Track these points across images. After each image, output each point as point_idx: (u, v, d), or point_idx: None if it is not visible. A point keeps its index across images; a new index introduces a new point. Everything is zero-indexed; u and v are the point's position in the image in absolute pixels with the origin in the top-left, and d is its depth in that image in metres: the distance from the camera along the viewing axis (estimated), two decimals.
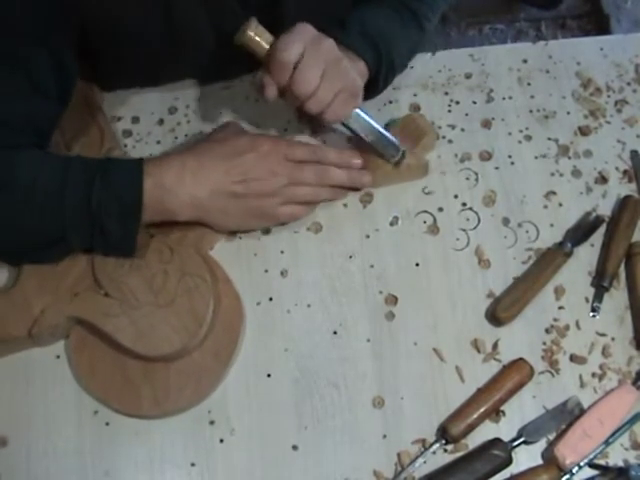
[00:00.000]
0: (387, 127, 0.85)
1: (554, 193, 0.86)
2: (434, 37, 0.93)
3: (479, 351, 0.77)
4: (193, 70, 0.89)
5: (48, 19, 0.72)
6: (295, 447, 0.73)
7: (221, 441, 0.74)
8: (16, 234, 0.73)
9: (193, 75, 0.90)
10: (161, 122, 0.89)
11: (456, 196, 0.85)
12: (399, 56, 0.87)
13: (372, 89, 0.86)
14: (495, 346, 0.77)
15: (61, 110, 0.78)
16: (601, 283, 0.80)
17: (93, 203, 0.71)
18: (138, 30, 0.79)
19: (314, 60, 0.74)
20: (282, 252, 0.82)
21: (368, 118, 0.81)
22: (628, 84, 0.93)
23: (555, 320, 0.79)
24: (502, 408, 0.75)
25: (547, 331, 0.79)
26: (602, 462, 0.73)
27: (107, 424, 0.74)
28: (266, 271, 0.81)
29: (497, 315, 0.77)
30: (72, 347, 0.75)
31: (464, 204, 0.85)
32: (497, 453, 0.72)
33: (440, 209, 0.84)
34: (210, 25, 0.81)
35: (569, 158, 0.88)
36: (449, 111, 0.90)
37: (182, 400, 0.73)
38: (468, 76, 0.93)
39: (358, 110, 0.80)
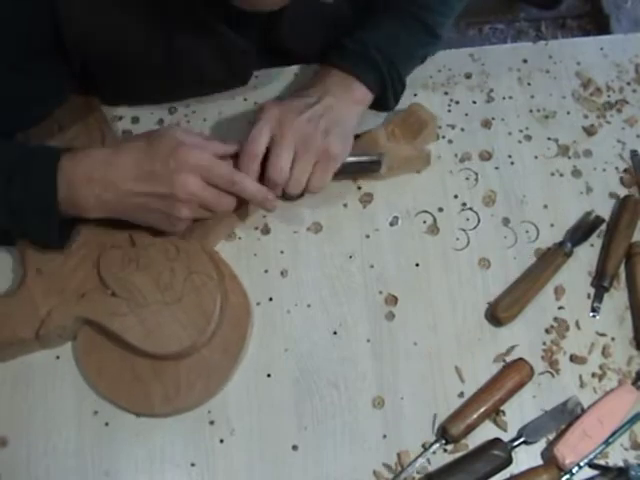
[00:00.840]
0: (388, 120, 0.86)
1: (554, 193, 0.86)
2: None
3: (462, 380, 0.77)
4: (193, 93, 0.89)
5: (31, 49, 0.72)
6: (295, 447, 0.73)
7: (221, 441, 0.74)
8: None
9: (193, 95, 0.90)
10: (161, 122, 0.89)
11: (456, 196, 0.85)
12: (407, 68, 0.87)
13: (383, 105, 0.86)
14: (510, 350, 0.78)
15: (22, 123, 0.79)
16: (601, 283, 0.80)
17: (13, 201, 0.70)
18: (139, 59, 0.79)
19: (283, 146, 0.75)
20: (282, 252, 0.82)
21: None
22: (628, 84, 0.93)
23: (555, 320, 0.79)
24: (502, 408, 0.75)
25: (547, 331, 0.79)
26: (602, 462, 0.73)
27: (107, 424, 0.74)
28: (266, 271, 0.81)
29: (497, 315, 0.77)
30: (80, 348, 0.75)
31: (464, 204, 0.85)
32: (497, 453, 0.72)
33: (440, 209, 0.84)
34: (210, 54, 0.81)
35: (569, 158, 0.88)
36: (449, 111, 0.90)
37: (193, 397, 0.73)
38: (468, 76, 0.93)
39: None
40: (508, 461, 0.72)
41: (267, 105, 0.77)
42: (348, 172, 0.82)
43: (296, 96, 0.81)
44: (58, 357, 0.76)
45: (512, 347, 0.78)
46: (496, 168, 0.87)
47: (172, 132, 0.73)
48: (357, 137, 0.85)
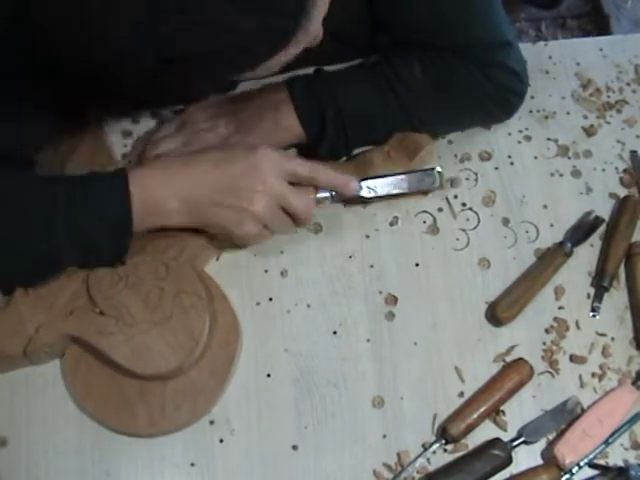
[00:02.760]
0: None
1: (554, 193, 0.86)
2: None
3: (462, 380, 0.77)
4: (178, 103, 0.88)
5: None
6: (295, 447, 0.73)
7: (221, 441, 0.74)
8: (5, 264, 0.72)
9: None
10: (161, 122, 0.89)
11: (456, 196, 0.85)
12: (359, 135, 0.83)
13: (318, 152, 0.83)
14: (510, 350, 0.78)
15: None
16: (601, 283, 0.80)
17: (82, 229, 0.70)
18: (123, 71, 0.78)
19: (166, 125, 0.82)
20: (282, 252, 0.82)
21: (381, 179, 0.81)
22: (628, 84, 0.93)
23: (555, 320, 0.79)
24: (502, 408, 0.75)
25: (547, 331, 0.79)
26: (602, 462, 0.73)
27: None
28: (266, 271, 0.81)
29: (497, 315, 0.77)
30: (67, 366, 0.74)
31: (464, 204, 0.85)
32: (497, 453, 0.72)
33: (440, 209, 0.84)
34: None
35: (569, 158, 0.88)
36: None
37: (179, 418, 0.73)
38: None
39: (368, 181, 0.81)
40: (508, 461, 0.72)
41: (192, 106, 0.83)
42: (397, 188, 0.81)
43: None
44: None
45: (512, 347, 0.78)
46: (496, 168, 0.87)
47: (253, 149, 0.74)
48: (351, 159, 0.85)
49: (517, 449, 0.73)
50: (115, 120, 0.88)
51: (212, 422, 0.74)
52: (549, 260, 0.81)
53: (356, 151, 0.85)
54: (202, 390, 0.74)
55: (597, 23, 1.94)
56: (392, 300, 0.80)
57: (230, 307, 0.77)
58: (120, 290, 0.74)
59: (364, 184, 0.80)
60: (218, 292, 0.78)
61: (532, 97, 0.91)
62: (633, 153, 0.88)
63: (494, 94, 0.83)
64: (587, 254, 0.82)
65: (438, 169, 0.82)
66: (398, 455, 0.73)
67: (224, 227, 0.75)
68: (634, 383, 0.76)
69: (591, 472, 0.73)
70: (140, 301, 0.73)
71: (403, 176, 0.81)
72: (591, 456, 0.72)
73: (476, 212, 0.84)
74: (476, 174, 0.87)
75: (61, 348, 0.75)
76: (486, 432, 0.74)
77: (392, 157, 0.83)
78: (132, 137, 0.88)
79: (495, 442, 0.72)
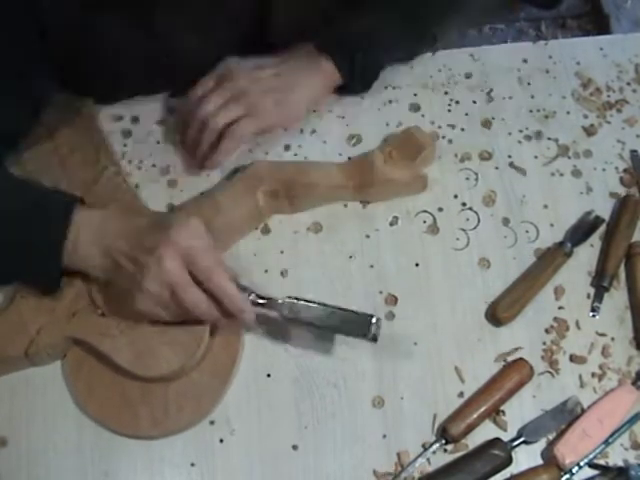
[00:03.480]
0: (385, 142, 0.86)
1: (554, 193, 0.86)
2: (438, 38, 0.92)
3: (462, 380, 0.77)
4: (178, 79, 0.88)
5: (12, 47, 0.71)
6: (295, 447, 0.73)
7: (221, 441, 0.74)
8: None
9: (179, 82, 0.88)
10: (161, 122, 0.89)
11: (456, 196, 0.85)
12: (384, 58, 0.88)
13: (350, 89, 0.88)
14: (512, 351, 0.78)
15: (22, 128, 0.78)
16: (601, 283, 0.80)
17: (18, 244, 0.70)
18: (119, 45, 0.78)
19: (215, 91, 0.81)
20: (282, 252, 0.82)
21: (311, 305, 0.72)
22: (628, 84, 0.93)
23: (555, 320, 0.79)
24: (502, 408, 0.75)
25: (547, 331, 0.79)
26: (602, 462, 0.73)
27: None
28: (266, 271, 0.81)
29: (497, 315, 0.77)
30: (69, 368, 0.74)
31: (464, 204, 0.85)
32: (497, 453, 0.72)
33: (440, 209, 0.84)
34: (197, 40, 0.81)
35: (569, 158, 0.88)
36: (449, 111, 0.90)
37: (181, 420, 0.73)
38: (468, 76, 0.93)
39: (296, 302, 0.73)
40: (508, 461, 0.72)
41: (228, 60, 0.82)
42: (326, 321, 0.72)
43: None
44: None
45: (512, 347, 0.77)
46: (496, 168, 0.87)
47: (180, 225, 0.69)
48: (353, 160, 0.85)
49: (517, 449, 0.73)
50: (109, 105, 0.88)
51: (212, 422, 0.74)
52: (549, 260, 0.81)
53: (358, 152, 0.86)
54: (204, 391, 0.74)
55: (597, 23, 1.94)
56: (392, 300, 0.80)
57: None
58: (122, 292, 0.73)
59: (288, 302, 0.73)
60: None
61: (532, 97, 0.91)
62: (633, 153, 0.88)
63: None
64: (587, 254, 0.82)
65: (374, 320, 0.71)
66: (398, 455, 0.73)
67: (125, 281, 0.70)
68: (634, 383, 0.76)
69: (591, 472, 0.73)
70: None
71: (336, 311, 0.72)
72: (591, 456, 0.72)
73: (476, 212, 0.84)
74: (476, 174, 0.86)
75: (63, 349, 0.75)
76: (486, 432, 0.74)
77: (394, 157, 0.83)
78: (132, 137, 0.87)
79: (495, 442, 0.72)
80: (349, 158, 0.86)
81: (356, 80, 0.87)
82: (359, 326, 0.71)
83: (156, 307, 0.70)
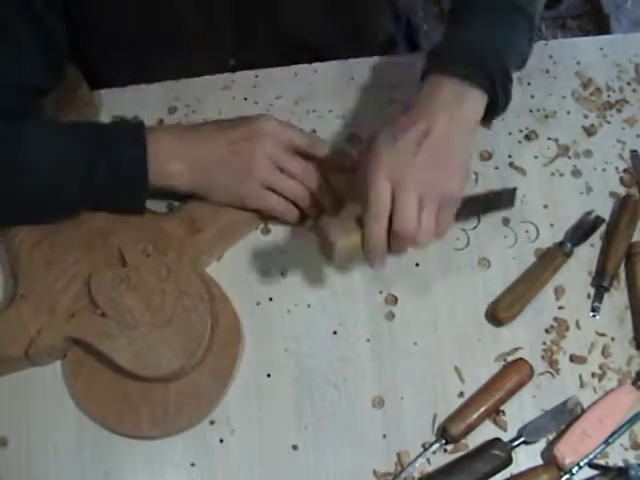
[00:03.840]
0: None
1: (554, 193, 0.85)
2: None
3: (462, 380, 0.77)
4: (171, 47, 0.89)
5: None
6: (295, 447, 0.73)
7: (221, 441, 0.74)
8: (15, 204, 0.75)
9: (172, 51, 0.89)
10: (161, 122, 0.89)
11: None
12: (511, 60, 0.79)
13: (495, 107, 0.77)
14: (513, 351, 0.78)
15: (50, 79, 0.79)
16: (601, 283, 0.80)
17: (100, 182, 0.73)
18: (110, 6, 0.80)
19: (408, 196, 0.68)
20: (282, 252, 0.82)
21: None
22: (628, 84, 0.93)
23: (555, 320, 0.79)
24: (502, 408, 0.75)
25: (547, 331, 0.79)
26: (602, 462, 0.73)
27: None
28: (266, 271, 0.81)
29: (497, 315, 0.77)
30: (69, 368, 0.74)
31: None
32: (497, 453, 0.72)
33: None
34: (196, 9, 0.82)
35: (569, 158, 0.88)
36: None
37: (182, 420, 0.73)
38: None
39: None
40: (508, 461, 0.72)
41: (375, 151, 0.70)
42: (477, 210, 0.80)
43: (403, 127, 0.71)
44: None
45: (512, 347, 0.77)
46: (496, 168, 0.87)
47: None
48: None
49: (517, 449, 0.73)
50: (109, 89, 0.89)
51: (212, 422, 0.74)
52: (549, 259, 0.80)
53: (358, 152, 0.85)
54: (205, 391, 0.74)
55: (597, 23, 1.94)
56: (392, 300, 0.80)
57: (231, 308, 0.77)
58: (122, 292, 0.74)
59: None
60: (219, 293, 0.78)
61: (532, 96, 0.91)
62: (633, 152, 0.88)
63: None
64: (587, 254, 0.82)
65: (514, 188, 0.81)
66: (398, 455, 0.73)
67: (226, 187, 0.77)
68: (634, 383, 0.76)
69: (591, 472, 0.73)
70: (142, 303, 0.73)
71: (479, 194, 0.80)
72: (591, 456, 0.72)
73: None
74: (476, 174, 0.86)
75: (63, 350, 0.75)
76: (486, 432, 0.74)
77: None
78: None
79: (495, 442, 0.72)
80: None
81: (499, 94, 0.76)
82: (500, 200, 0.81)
83: (265, 192, 0.77)
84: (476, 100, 0.74)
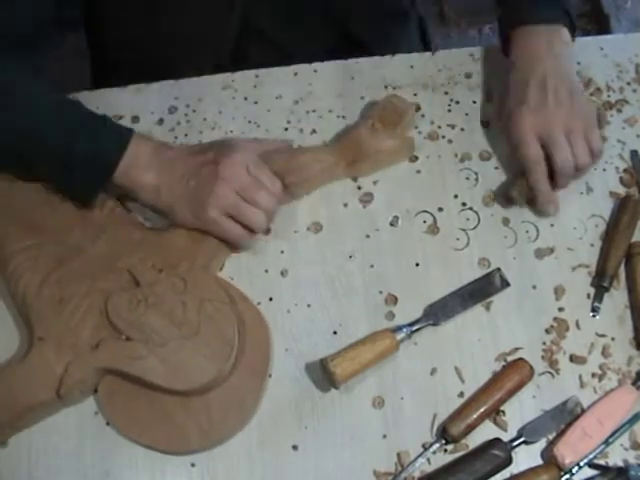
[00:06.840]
0: (366, 115, 0.87)
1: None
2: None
3: (462, 380, 0.77)
4: (184, 55, 0.89)
5: None
6: (295, 447, 0.73)
7: None
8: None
9: (190, 65, 0.90)
10: (161, 122, 0.89)
11: (456, 196, 0.85)
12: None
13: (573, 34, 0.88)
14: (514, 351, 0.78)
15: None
16: (601, 283, 0.80)
17: (74, 151, 0.74)
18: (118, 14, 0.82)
19: (558, 141, 0.80)
20: (282, 252, 0.82)
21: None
22: (628, 84, 0.93)
23: (555, 320, 0.79)
24: (502, 408, 0.75)
25: (547, 331, 0.79)
26: (602, 462, 0.73)
27: (107, 424, 0.74)
28: (266, 271, 0.81)
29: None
30: (103, 401, 0.73)
31: (464, 204, 0.85)
32: (497, 453, 0.72)
33: (440, 209, 0.84)
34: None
35: None
36: (449, 111, 0.90)
37: (229, 425, 0.72)
38: (468, 76, 0.93)
39: None
40: (508, 461, 0.72)
41: (517, 118, 0.82)
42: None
43: (519, 81, 0.84)
44: None
45: (513, 347, 0.77)
46: (496, 168, 0.87)
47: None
48: (338, 140, 0.86)
49: (517, 449, 0.73)
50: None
51: None
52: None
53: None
54: (246, 392, 0.73)
55: (597, 23, 1.94)
56: (392, 300, 0.80)
57: (253, 305, 0.78)
58: (142, 312, 0.73)
59: None
60: (238, 293, 0.78)
61: None
62: (633, 153, 0.88)
63: None
64: (587, 254, 0.82)
65: (497, 274, 0.80)
66: (398, 455, 0.73)
67: (185, 215, 0.77)
68: (634, 383, 0.76)
69: (591, 472, 0.73)
70: (165, 319, 0.73)
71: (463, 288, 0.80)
72: (591, 456, 0.72)
73: (476, 212, 0.84)
74: (476, 174, 0.86)
75: (94, 383, 0.73)
76: (486, 432, 0.74)
77: (377, 128, 0.84)
78: None
79: (495, 442, 0.72)
80: (335, 140, 0.87)
81: (574, 22, 0.88)
82: (489, 286, 0.80)
83: (223, 217, 0.76)
84: (565, 35, 0.86)
